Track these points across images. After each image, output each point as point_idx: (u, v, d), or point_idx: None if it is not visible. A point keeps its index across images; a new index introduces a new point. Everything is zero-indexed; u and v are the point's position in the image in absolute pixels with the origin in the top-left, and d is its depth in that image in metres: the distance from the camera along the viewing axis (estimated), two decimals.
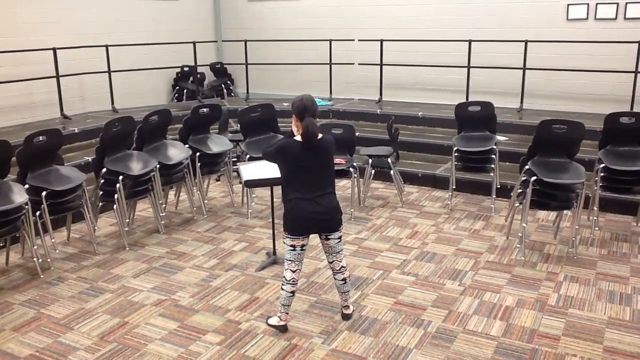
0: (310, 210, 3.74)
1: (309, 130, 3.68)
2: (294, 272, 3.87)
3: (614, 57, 7.88)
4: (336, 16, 10.01)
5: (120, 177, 5.36)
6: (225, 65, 11.23)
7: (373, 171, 6.53)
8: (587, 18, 8.12)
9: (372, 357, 3.69)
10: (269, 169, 4.82)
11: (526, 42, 7.97)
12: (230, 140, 6.62)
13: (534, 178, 5.00)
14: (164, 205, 6.10)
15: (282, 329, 3.98)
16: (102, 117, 7.83)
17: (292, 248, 3.84)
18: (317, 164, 3.77)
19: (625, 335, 3.90)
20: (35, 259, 4.90)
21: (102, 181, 5.45)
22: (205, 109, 6.43)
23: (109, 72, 8.46)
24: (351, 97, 9.82)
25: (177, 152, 6.01)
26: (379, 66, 9.09)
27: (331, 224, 3.83)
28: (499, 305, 4.31)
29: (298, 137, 3.77)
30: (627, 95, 7.61)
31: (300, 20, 10.36)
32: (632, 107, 7.51)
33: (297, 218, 3.77)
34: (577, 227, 5.17)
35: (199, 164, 6.20)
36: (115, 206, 5.40)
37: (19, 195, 4.67)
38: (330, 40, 9.32)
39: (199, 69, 10.00)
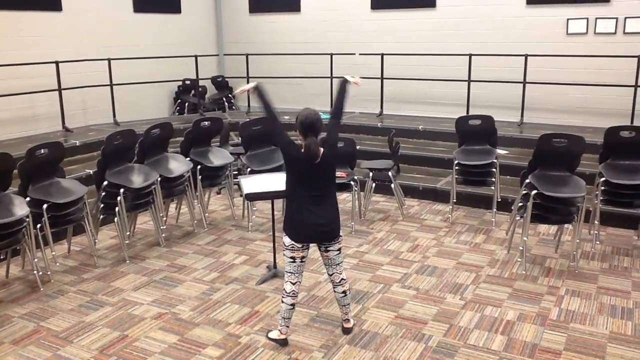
0: (309, 222, 3.74)
1: (310, 150, 3.68)
2: (294, 284, 3.87)
3: (613, 71, 7.91)
4: (337, 30, 10.07)
5: (122, 190, 5.36)
6: (226, 79, 11.27)
7: (374, 184, 6.53)
8: (586, 32, 8.16)
9: None
10: (270, 182, 4.84)
11: (526, 56, 8.01)
12: (231, 154, 6.64)
13: (534, 192, 5.00)
14: (164, 218, 6.10)
15: (283, 343, 3.97)
16: (104, 130, 7.86)
17: (292, 260, 3.84)
18: (317, 176, 3.78)
19: (627, 350, 3.88)
20: (35, 272, 4.90)
21: (103, 194, 5.45)
22: (206, 122, 6.45)
23: (111, 85, 8.51)
24: (352, 111, 9.84)
25: (178, 165, 6.02)
26: (379, 80, 9.13)
27: (329, 235, 3.83)
28: (500, 319, 4.29)
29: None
30: (627, 109, 7.63)
31: (302, 34, 10.42)
32: (632, 121, 7.53)
33: (296, 227, 3.78)
34: (578, 241, 5.17)
35: (200, 177, 6.21)
36: (116, 219, 5.40)
37: (20, 208, 4.67)
38: (331, 54, 9.37)
39: (201, 83, 10.04)
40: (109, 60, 8.42)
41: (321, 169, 3.77)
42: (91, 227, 5.45)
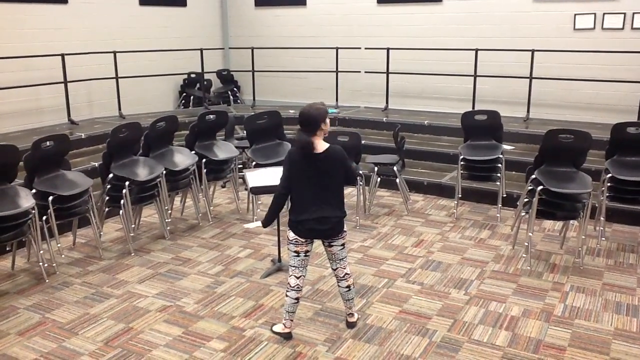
0: (312, 220, 3.73)
1: (299, 143, 3.75)
2: (298, 278, 3.87)
3: (621, 67, 7.88)
4: (343, 24, 10.05)
5: (127, 183, 5.37)
6: (231, 72, 11.27)
7: (379, 179, 6.52)
8: (594, 28, 8.12)
9: None
10: (275, 176, 4.83)
11: (533, 51, 7.97)
12: (236, 147, 6.64)
13: (540, 187, 4.98)
14: (169, 211, 6.11)
15: (287, 337, 3.98)
16: (109, 123, 7.87)
17: (296, 254, 3.85)
18: (320, 174, 3.76)
19: (632, 347, 3.87)
20: (40, 264, 4.91)
21: (108, 186, 5.46)
22: (211, 116, 6.45)
23: (117, 78, 8.51)
24: (357, 105, 9.84)
25: (183, 158, 6.03)
26: (385, 74, 9.10)
27: (331, 233, 3.83)
28: (505, 315, 4.29)
29: None
30: (634, 105, 7.60)
31: (307, 27, 10.40)
32: (639, 117, 7.50)
33: (300, 223, 3.78)
34: (583, 237, 5.15)
35: (205, 170, 6.21)
36: (121, 212, 5.41)
37: (26, 200, 4.69)
38: (337, 48, 9.34)
39: (206, 76, 10.04)
40: (114, 53, 8.42)
41: (324, 166, 3.75)
42: (96, 219, 5.46)
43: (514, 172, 6.77)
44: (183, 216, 6.54)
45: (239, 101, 11.17)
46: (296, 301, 3.91)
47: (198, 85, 10.42)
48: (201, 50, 9.33)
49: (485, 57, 8.41)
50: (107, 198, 5.50)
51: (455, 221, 6.28)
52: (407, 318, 4.25)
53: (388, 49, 8.98)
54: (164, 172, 5.72)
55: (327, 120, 3.82)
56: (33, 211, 4.74)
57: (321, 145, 3.76)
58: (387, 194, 7.25)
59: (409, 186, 7.05)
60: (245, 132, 6.81)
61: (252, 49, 9.74)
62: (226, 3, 11.27)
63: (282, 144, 6.48)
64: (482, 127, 6.36)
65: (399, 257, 5.34)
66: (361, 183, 6.15)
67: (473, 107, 8.31)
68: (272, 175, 4.86)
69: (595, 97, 8.24)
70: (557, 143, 5.21)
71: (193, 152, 6.21)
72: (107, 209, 5.69)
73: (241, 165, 6.94)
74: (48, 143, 5.11)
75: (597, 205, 5.64)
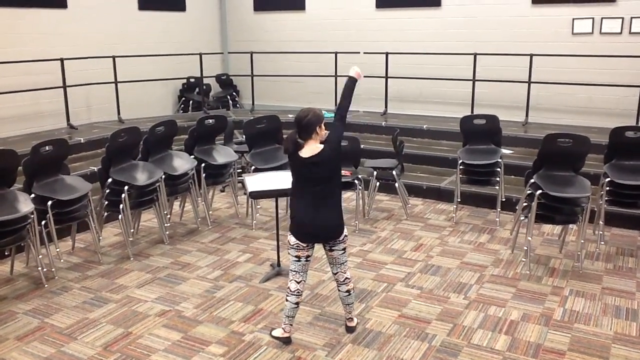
0: (313, 222, 3.74)
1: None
2: (298, 283, 3.87)
3: (619, 71, 7.89)
4: (342, 29, 10.07)
5: (126, 187, 5.37)
6: (230, 77, 11.28)
7: (378, 183, 6.52)
8: (592, 32, 8.14)
9: None
10: (274, 181, 4.84)
11: (531, 55, 7.99)
12: (235, 152, 6.64)
13: (539, 192, 4.99)
14: (168, 216, 6.11)
15: (286, 341, 3.97)
16: (109, 128, 7.87)
17: (296, 259, 3.84)
18: (318, 175, 3.75)
19: (632, 351, 3.87)
20: (39, 269, 4.91)
21: (107, 191, 5.46)
22: (210, 120, 6.46)
23: (116, 82, 8.52)
24: (356, 110, 9.84)
25: (182, 162, 6.03)
26: (384, 79, 9.12)
27: (333, 235, 3.82)
28: (504, 319, 4.29)
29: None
30: (633, 110, 7.61)
31: (306, 32, 10.42)
32: (637, 122, 7.50)
33: (300, 227, 3.78)
34: (582, 241, 5.15)
35: (204, 174, 6.21)
36: (120, 216, 5.40)
37: (25, 205, 4.68)
38: (336, 53, 9.36)
39: (205, 80, 10.06)
40: (113, 57, 8.43)
41: (321, 168, 3.74)
42: (95, 224, 5.45)
43: (512, 176, 6.78)
44: (182, 221, 6.53)
45: (238, 105, 11.17)
46: (296, 306, 3.90)
47: (197, 89, 10.43)
48: (200, 54, 9.35)
49: (484, 62, 8.43)
50: (106, 203, 5.50)
51: (455, 225, 6.28)
52: (406, 322, 4.25)
53: (387, 54, 9.00)
54: (163, 176, 5.72)
55: (323, 125, 3.85)
56: (32, 216, 4.73)
57: (315, 148, 3.76)
58: (386, 198, 7.25)
59: (408, 190, 7.05)
60: (244, 136, 6.82)
61: (251, 53, 9.75)
62: (225, 8, 11.30)
63: (281, 148, 6.48)
64: (481, 131, 6.37)
65: (398, 262, 5.34)
66: (360, 187, 6.15)
67: (472, 112, 8.32)
68: (271, 180, 4.87)
69: (594, 101, 8.26)
70: (556, 147, 5.22)
71: (192, 156, 6.21)
72: (106, 214, 5.69)
73: (240, 170, 6.94)
74: (47, 147, 5.11)
75: (596, 209, 5.64)
